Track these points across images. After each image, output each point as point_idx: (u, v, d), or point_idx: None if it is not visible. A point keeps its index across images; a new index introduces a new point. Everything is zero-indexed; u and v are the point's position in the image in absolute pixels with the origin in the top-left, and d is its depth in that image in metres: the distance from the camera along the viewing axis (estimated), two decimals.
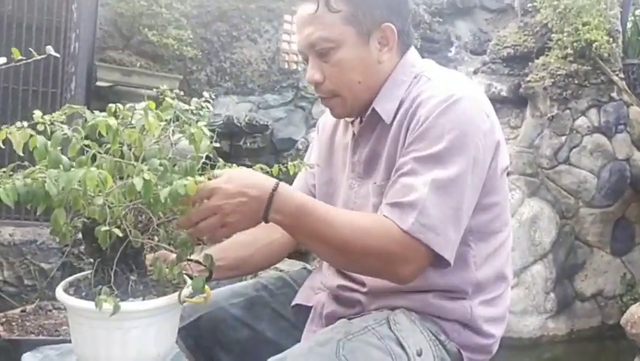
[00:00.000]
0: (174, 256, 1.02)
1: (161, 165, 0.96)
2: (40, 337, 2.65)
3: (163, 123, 1.01)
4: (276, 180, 1.02)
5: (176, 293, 0.98)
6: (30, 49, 1.12)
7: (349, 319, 1.14)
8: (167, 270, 1.00)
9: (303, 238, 1.08)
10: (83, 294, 0.99)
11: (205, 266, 1.06)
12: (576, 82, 4.13)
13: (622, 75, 4.22)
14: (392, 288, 1.12)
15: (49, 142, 0.90)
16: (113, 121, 0.93)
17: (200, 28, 5.03)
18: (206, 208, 0.98)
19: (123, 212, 0.94)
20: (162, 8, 4.43)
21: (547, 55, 4.33)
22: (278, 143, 4.89)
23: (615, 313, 4.29)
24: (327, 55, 1.13)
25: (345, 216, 1.06)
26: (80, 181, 0.85)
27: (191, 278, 1.02)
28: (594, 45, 4.00)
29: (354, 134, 1.24)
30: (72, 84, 3.20)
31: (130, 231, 0.94)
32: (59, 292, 1.00)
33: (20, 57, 1.15)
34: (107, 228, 0.88)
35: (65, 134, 0.91)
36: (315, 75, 1.15)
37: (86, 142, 0.96)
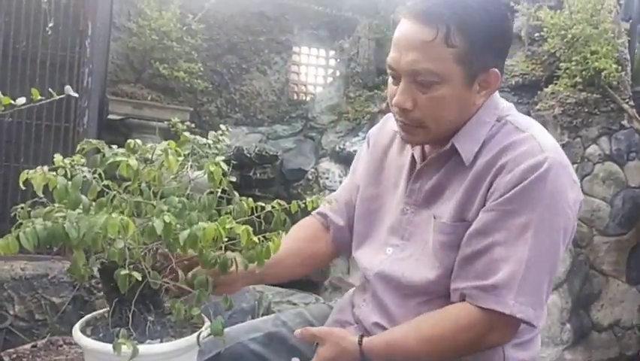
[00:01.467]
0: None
1: (179, 202, 0.96)
2: None
3: (181, 159, 1.01)
4: (358, 346, 1.10)
5: (195, 335, 0.97)
6: (49, 89, 1.13)
7: None
8: (185, 312, 0.98)
9: None
10: (101, 335, 0.98)
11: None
12: (586, 110, 4.13)
13: (632, 103, 4.22)
14: None
15: (69, 183, 0.90)
16: (133, 161, 0.93)
17: (211, 61, 5.10)
18: None
19: (142, 253, 0.93)
20: (173, 42, 4.50)
21: (555, 83, 4.34)
22: (288, 173, 4.90)
23: (633, 344, 4.21)
24: (427, 87, 1.08)
25: (433, 332, 1.09)
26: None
27: (209, 319, 1.01)
28: (603, 73, 4.01)
29: (413, 158, 1.22)
30: (85, 118, 3.24)
31: (149, 272, 0.94)
32: (76, 332, 0.99)
33: (39, 97, 1.17)
34: (126, 271, 0.88)
35: (85, 176, 0.91)
36: (406, 102, 1.10)
37: (105, 182, 0.97)
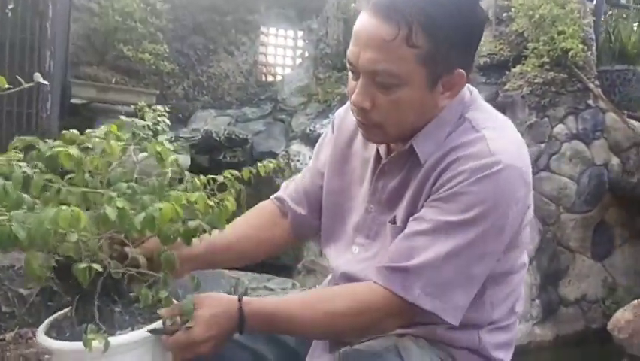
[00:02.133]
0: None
1: (128, 187, 0.92)
2: None
3: (122, 144, 0.98)
4: (238, 302, 1.03)
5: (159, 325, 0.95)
6: (17, 77, 1.07)
7: (355, 344, 1.11)
8: (152, 297, 0.95)
9: (288, 335, 1.16)
10: (67, 335, 0.94)
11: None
12: (553, 90, 4.20)
13: (597, 82, 4.30)
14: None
15: (7, 183, 0.83)
16: (74, 150, 0.88)
17: (176, 42, 4.97)
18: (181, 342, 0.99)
19: (98, 244, 0.90)
20: (137, 23, 4.36)
21: (523, 64, 4.39)
22: (258, 156, 4.83)
23: (598, 318, 4.35)
24: (387, 88, 1.00)
25: (327, 305, 1.05)
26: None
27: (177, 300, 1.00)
28: (570, 53, 4.07)
29: (378, 153, 1.17)
30: (48, 103, 3.12)
31: (109, 262, 0.91)
32: (41, 336, 0.94)
33: (6, 85, 1.10)
34: (85, 265, 0.84)
35: (25, 172, 0.86)
36: (364, 102, 1.03)
37: (47, 176, 0.90)
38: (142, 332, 0.93)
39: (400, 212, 1.11)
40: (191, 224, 0.95)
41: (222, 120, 5.08)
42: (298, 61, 5.53)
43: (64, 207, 0.80)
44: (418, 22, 0.95)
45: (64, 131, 0.95)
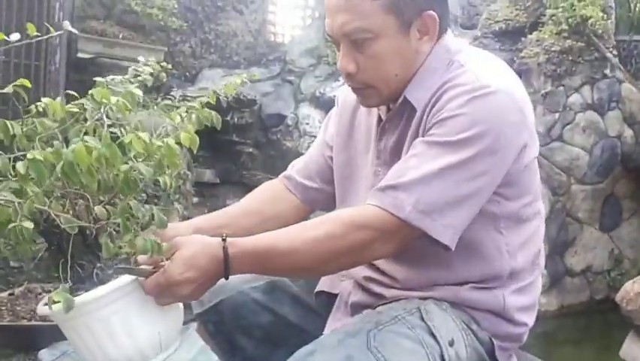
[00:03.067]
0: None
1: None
2: (33, 322, 2.54)
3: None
4: (222, 242, 0.98)
5: (142, 267, 0.93)
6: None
7: (377, 307, 1.10)
8: (112, 246, 0.91)
9: (278, 275, 1.15)
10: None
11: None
12: (570, 58, 4.12)
13: (614, 52, 4.22)
14: (425, 283, 1.10)
15: None
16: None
17: None
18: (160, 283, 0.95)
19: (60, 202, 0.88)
20: None
21: (540, 30, 4.29)
22: (266, 118, 4.78)
23: (603, 289, 4.38)
24: (363, 45, 1.04)
25: (315, 231, 1.02)
26: None
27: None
28: (589, 21, 3.98)
29: (380, 118, 1.18)
30: (57, 56, 3.04)
31: (60, 219, 0.87)
32: (40, 307, 0.94)
33: (36, 33, 1.05)
34: (15, 223, 0.80)
35: None
36: (348, 66, 1.07)
37: None
38: (116, 282, 0.90)
39: None
40: (123, 168, 0.87)
41: (230, 80, 4.99)
42: (308, 21, 5.41)
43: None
44: None
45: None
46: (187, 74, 4.96)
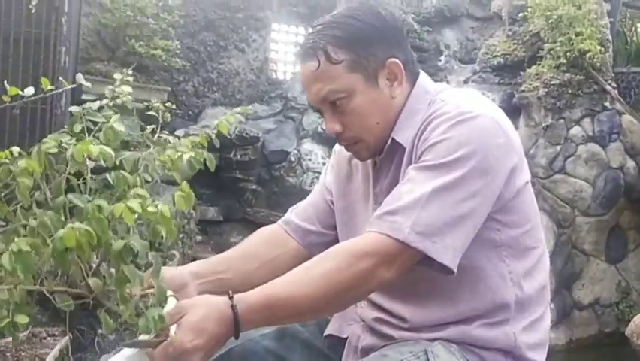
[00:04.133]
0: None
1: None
2: None
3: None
4: (230, 300, 0.97)
5: (148, 338, 0.90)
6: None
7: (383, 347, 1.10)
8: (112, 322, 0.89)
9: (289, 322, 1.16)
10: None
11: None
12: (570, 91, 4.15)
13: (613, 84, 4.26)
14: (433, 321, 1.10)
15: None
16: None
17: (187, 38, 4.93)
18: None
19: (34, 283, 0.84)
20: (149, 18, 4.31)
21: (539, 64, 4.34)
22: (270, 155, 4.79)
23: (612, 321, 4.33)
24: (341, 105, 1.12)
25: (320, 268, 1.03)
26: None
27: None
28: (588, 55, 4.03)
29: (375, 163, 1.22)
30: (62, 100, 3.06)
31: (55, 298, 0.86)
32: None
33: (50, 87, 1.07)
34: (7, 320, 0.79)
35: None
36: (334, 127, 1.15)
37: None
38: (123, 353, 0.89)
39: None
40: (116, 246, 0.83)
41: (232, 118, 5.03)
42: None
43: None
44: (329, 44, 1.11)
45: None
46: (190, 112, 5.00)
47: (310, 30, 1.18)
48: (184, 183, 0.97)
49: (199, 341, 0.93)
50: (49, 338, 2.82)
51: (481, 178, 1.03)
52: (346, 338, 1.24)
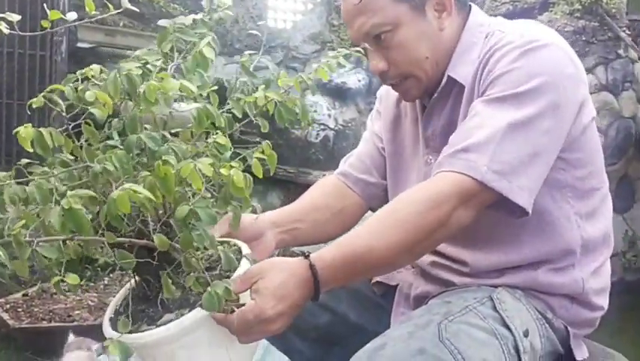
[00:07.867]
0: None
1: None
2: (53, 323, 2.45)
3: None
4: (307, 259, 0.92)
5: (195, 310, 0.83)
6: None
7: (441, 293, 1.07)
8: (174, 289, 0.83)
9: (369, 276, 1.17)
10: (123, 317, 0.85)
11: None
12: (583, 39, 4.06)
13: (627, 31, 4.17)
14: (496, 265, 1.07)
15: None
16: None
17: None
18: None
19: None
20: None
21: (551, 10, 4.22)
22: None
23: (617, 270, 4.35)
24: (385, 40, 1.07)
25: (396, 213, 0.98)
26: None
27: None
28: (604, 0, 3.91)
29: (424, 106, 1.17)
30: (62, 46, 2.92)
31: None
32: (106, 328, 0.87)
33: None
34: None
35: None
36: (379, 64, 1.09)
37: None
38: (186, 319, 0.81)
39: None
40: (179, 214, 0.77)
41: (232, 68, 4.88)
42: (310, 6, 5.29)
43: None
44: None
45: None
46: None
47: None
48: (266, 143, 0.90)
49: (282, 307, 0.88)
50: (59, 294, 2.76)
51: (554, 113, 0.98)
52: (396, 286, 1.20)
